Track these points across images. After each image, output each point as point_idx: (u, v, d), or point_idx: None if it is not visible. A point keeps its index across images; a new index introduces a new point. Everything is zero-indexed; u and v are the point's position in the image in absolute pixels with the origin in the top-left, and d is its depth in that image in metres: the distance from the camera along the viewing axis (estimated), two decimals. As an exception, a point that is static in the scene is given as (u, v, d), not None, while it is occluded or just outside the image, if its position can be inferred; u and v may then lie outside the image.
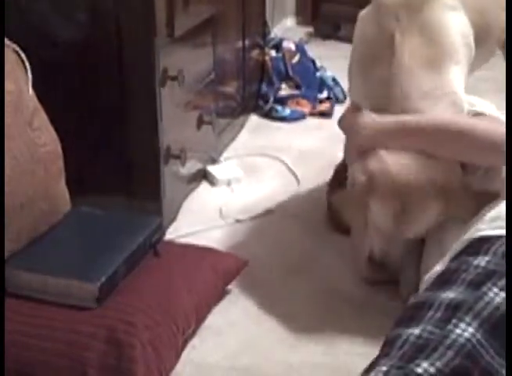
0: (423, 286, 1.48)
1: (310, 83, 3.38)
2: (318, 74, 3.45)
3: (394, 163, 1.79)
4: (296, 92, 3.30)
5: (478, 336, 1.23)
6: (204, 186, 2.60)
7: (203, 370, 1.68)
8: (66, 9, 2.03)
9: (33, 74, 1.80)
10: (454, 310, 1.28)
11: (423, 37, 1.92)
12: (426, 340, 1.24)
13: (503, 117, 1.90)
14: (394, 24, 1.93)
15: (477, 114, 1.94)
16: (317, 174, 2.60)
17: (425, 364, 1.20)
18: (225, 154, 2.82)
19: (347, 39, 2.86)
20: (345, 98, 3.31)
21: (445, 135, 1.83)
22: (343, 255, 2.11)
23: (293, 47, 3.50)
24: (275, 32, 4.11)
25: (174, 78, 2.14)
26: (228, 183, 2.60)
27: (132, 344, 1.52)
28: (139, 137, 2.12)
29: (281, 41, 3.49)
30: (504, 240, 1.42)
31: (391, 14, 1.96)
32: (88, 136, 2.12)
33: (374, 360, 1.28)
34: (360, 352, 1.73)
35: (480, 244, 1.43)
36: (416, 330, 1.26)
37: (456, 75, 1.95)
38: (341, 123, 2.00)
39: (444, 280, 1.38)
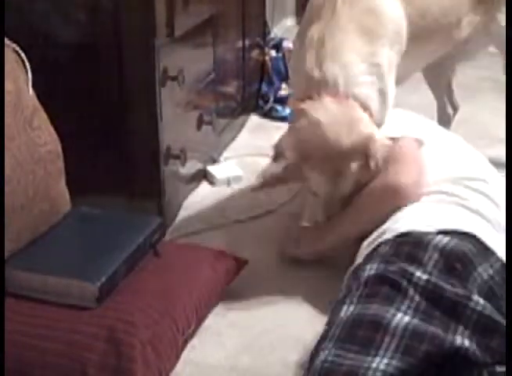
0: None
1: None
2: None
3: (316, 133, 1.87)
4: (296, 92, 3.30)
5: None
6: (204, 186, 2.60)
7: (203, 370, 1.68)
8: (66, 8, 2.03)
9: (33, 74, 1.80)
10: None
11: (364, 11, 2.00)
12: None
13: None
14: None
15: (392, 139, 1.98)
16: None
17: None
18: (225, 154, 2.83)
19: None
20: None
21: None
22: (343, 255, 2.11)
23: (293, 47, 3.49)
24: (275, 32, 4.10)
25: (174, 78, 2.14)
26: (228, 183, 2.60)
27: (132, 344, 1.52)
28: (139, 137, 2.12)
29: (281, 41, 3.49)
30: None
31: None
32: (88, 136, 2.12)
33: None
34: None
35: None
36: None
37: (388, 56, 2.01)
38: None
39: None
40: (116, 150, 2.13)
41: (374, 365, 1.38)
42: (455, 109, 2.85)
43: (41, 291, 1.62)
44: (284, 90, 3.32)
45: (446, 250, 1.59)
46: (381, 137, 1.90)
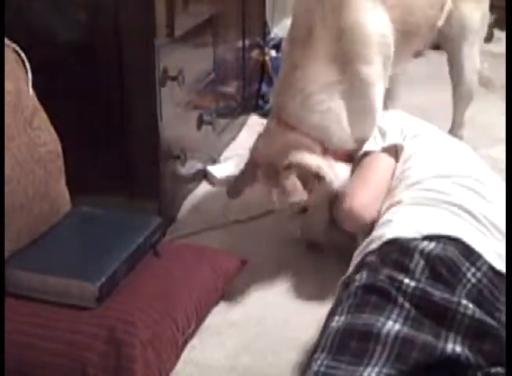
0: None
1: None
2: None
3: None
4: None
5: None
6: (204, 186, 2.60)
7: (203, 370, 1.68)
8: (66, 8, 2.03)
9: (33, 74, 1.80)
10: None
11: (340, 33, 2.01)
12: None
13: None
14: (320, 13, 2.03)
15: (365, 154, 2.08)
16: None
17: None
18: (225, 154, 2.82)
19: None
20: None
21: None
22: (343, 255, 2.11)
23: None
24: (275, 32, 4.09)
25: (174, 78, 2.13)
26: (228, 183, 2.59)
27: (132, 343, 1.52)
28: (139, 137, 2.12)
29: (281, 41, 3.48)
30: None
31: (319, 2, 2.04)
32: (88, 136, 2.12)
33: None
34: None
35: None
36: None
37: (367, 73, 2.05)
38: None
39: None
40: (116, 150, 2.13)
41: (365, 374, 1.40)
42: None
43: (41, 291, 1.63)
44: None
45: (432, 256, 1.58)
46: (324, 164, 2.00)
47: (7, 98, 1.67)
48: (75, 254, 1.77)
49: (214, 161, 2.71)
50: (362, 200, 1.95)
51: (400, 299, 1.52)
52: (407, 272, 1.56)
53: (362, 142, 2.10)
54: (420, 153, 2.02)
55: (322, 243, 2.16)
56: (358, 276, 1.63)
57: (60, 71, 2.06)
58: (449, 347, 1.45)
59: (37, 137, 1.76)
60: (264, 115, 3.24)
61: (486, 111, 3.15)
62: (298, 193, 1.94)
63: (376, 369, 1.41)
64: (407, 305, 1.51)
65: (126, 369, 1.50)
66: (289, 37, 2.14)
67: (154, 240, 1.85)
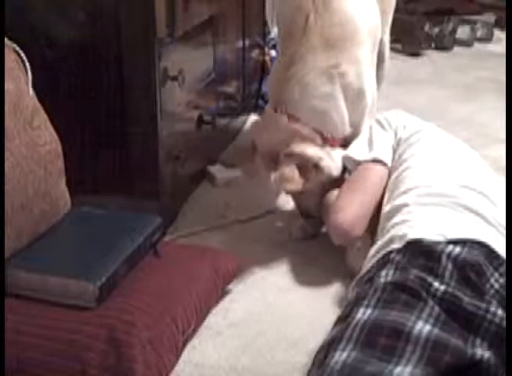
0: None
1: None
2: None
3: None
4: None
5: None
6: (204, 186, 2.60)
7: (203, 370, 1.68)
8: (66, 8, 2.03)
9: (33, 74, 1.80)
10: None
11: (332, 20, 2.10)
12: None
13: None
14: (311, 6, 2.11)
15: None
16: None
17: None
18: (225, 154, 2.82)
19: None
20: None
21: None
22: (343, 255, 2.11)
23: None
24: (276, 32, 4.10)
25: (174, 78, 2.14)
26: (228, 183, 2.59)
27: (132, 343, 1.52)
28: (139, 137, 2.12)
29: (281, 41, 3.49)
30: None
31: None
32: (88, 136, 2.12)
33: None
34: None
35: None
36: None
37: (357, 53, 2.14)
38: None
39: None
40: (116, 149, 2.13)
41: (397, 372, 1.36)
42: None
43: (41, 291, 1.62)
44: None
45: (459, 260, 1.56)
46: (322, 154, 2.07)
47: (7, 98, 1.67)
48: (75, 254, 1.77)
49: (214, 161, 2.71)
50: (351, 216, 1.99)
51: (430, 301, 1.50)
52: (436, 275, 1.54)
53: (357, 126, 2.17)
54: (422, 153, 2.02)
55: (315, 214, 2.20)
56: (383, 273, 1.60)
57: (60, 71, 2.06)
58: (479, 353, 1.42)
59: (37, 137, 1.76)
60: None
61: (485, 111, 3.16)
62: (295, 182, 2.03)
63: (408, 369, 1.37)
64: (437, 308, 1.49)
65: (126, 369, 1.50)
66: (282, 32, 2.23)
67: (154, 240, 1.85)
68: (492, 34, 4.57)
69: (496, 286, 1.53)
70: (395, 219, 1.81)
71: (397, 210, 1.84)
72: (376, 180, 2.06)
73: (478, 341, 1.45)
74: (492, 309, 1.48)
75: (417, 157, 2.01)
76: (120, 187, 2.16)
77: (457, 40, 4.42)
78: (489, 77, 3.56)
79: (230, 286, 1.94)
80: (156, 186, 2.17)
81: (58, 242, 1.77)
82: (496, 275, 1.56)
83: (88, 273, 1.63)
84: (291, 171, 2.03)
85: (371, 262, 1.72)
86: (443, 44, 4.33)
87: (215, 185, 2.59)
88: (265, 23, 3.47)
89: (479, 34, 4.54)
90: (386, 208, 1.91)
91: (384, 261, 1.66)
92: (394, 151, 2.11)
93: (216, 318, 1.85)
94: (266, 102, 3.25)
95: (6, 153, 1.64)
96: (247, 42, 3.07)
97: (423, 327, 1.44)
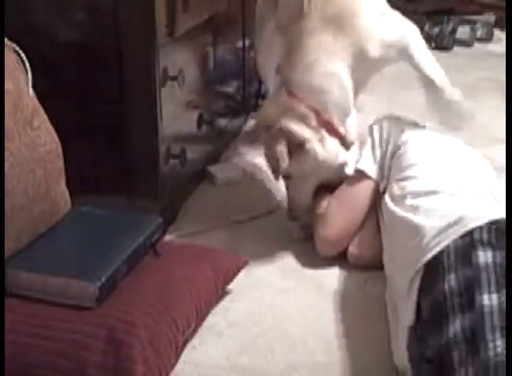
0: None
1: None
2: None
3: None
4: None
5: None
6: (204, 186, 2.60)
7: (203, 370, 1.68)
8: (66, 8, 2.03)
9: (33, 74, 1.80)
10: None
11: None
12: None
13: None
14: None
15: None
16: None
17: None
18: (225, 154, 2.82)
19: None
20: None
21: None
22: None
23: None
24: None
25: (174, 78, 2.14)
26: (228, 183, 2.59)
27: (132, 343, 1.52)
28: (139, 137, 2.12)
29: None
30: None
31: None
32: (88, 136, 2.12)
33: None
34: (360, 350, 1.74)
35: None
36: None
37: (359, 24, 2.13)
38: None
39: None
40: (116, 149, 2.13)
41: None
42: None
43: (41, 290, 1.62)
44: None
45: None
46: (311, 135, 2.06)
47: (7, 98, 1.67)
48: (75, 254, 1.77)
49: (214, 161, 2.71)
50: (338, 230, 2.06)
51: None
52: None
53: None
54: (426, 158, 2.02)
55: (302, 214, 2.20)
56: (480, 253, 1.51)
57: (60, 71, 2.06)
58: None
59: (37, 137, 1.76)
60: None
61: (485, 111, 3.15)
62: (283, 159, 2.02)
63: None
64: None
65: (126, 369, 1.50)
66: (279, 21, 2.27)
67: (154, 240, 1.85)
68: (492, 34, 4.56)
69: None
70: (419, 212, 1.78)
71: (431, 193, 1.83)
72: (364, 192, 2.10)
73: None
74: None
75: (418, 167, 1.99)
76: (120, 187, 2.16)
77: (457, 40, 4.42)
78: (489, 77, 3.55)
79: (230, 286, 1.94)
80: (156, 186, 2.17)
81: (58, 242, 1.77)
82: None
83: (88, 273, 1.63)
84: (281, 147, 2.02)
85: (435, 244, 1.63)
86: (443, 44, 4.33)
87: (215, 185, 2.59)
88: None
89: (479, 34, 4.54)
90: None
91: (465, 241, 1.58)
92: (388, 163, 2.10)
93: (216, 318, 1.85)
94: (266, 102, 3.26)
95: (6, 153, 1.64)
96: (247, 42, 3.06)
97: None
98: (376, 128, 2.20)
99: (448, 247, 1.59)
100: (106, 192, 2.16)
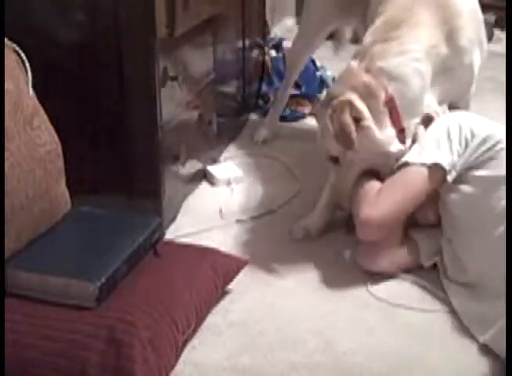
0: None
1: (310, 82, 3.37)
2: (318, 73, 3.45)
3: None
4: (296, 91, 3.29)
5: None
6: (204, 186, 2.60)
7: (203, 370, 1.68)
8: (65, 9, 2.03)
9: (33, 74, 1.80)
10: None
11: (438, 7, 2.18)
12: None
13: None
14: None
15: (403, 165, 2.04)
16: (317, 174, 2.60)
17: None
18: (225, 154, 2.82)
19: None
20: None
21: None
22: (343, 255, 2.11)
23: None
24: (275, 32, 4.10)
25: (174, 78, 2.13)
26: (228, 183, 2.60)
27: (132, 343, 1.52)
28: (139, 137, 2.12)
29: (281, 41, 3.49)
30: None
31: None
32: (88, 136, 2.12)
33: None
34: (359, 351, 1.74)
35: None
36: None
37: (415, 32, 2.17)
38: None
39: None
40: (116, 149, 2.13)
41: None
42: None
43: (41, 290, 1.63)
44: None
45: None
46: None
47: (7, 98, 1.67)
48: (75, 254, 1.77)
49: (214, 161, 2.71)
50: (384, 211, 1.94)
51: None
52: None
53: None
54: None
55: (345, 206, 2.14)
56: None
57: (60, 71, 2.06)
58: None
59: (37, 137, 1.76)
60: (264, 115, 3.24)
61: (485, 111, 3.15)
62: (351, 129, 1.98)
63: None
64: None
65: (126, 369, 1.50)
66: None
67: (154, 240, 1.85)
68: (492, 34, 4.56)
69: None
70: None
71: None
72: (420, 186, 1.98)
73: None
74: None
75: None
76: (120, 187, 2.16)
77: (457, 40, 4.41)
78: (489, 77, 3.55)
79: (230, 286, 1.94)
80: (156, 186, 2.17)
81: (58, 242, 1.77)
82: None
83: (88, 273, 1.63)
84: (346, 116, 1.98)
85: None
86: (443, 44, 4.33)
87: (215, 185, 2.59)
88: (264, 23, 3.48)
89: (479, 33, 4.54)
90: None
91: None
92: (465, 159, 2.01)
93: (216, 318, 1.85)
94: (266, 102, 3.26)
95: (6, 153, 1.64)
96: (247, 42, 3.07)
97: None
98: (453, 123, 2.07)
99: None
100: (106, 192, 2.16)
